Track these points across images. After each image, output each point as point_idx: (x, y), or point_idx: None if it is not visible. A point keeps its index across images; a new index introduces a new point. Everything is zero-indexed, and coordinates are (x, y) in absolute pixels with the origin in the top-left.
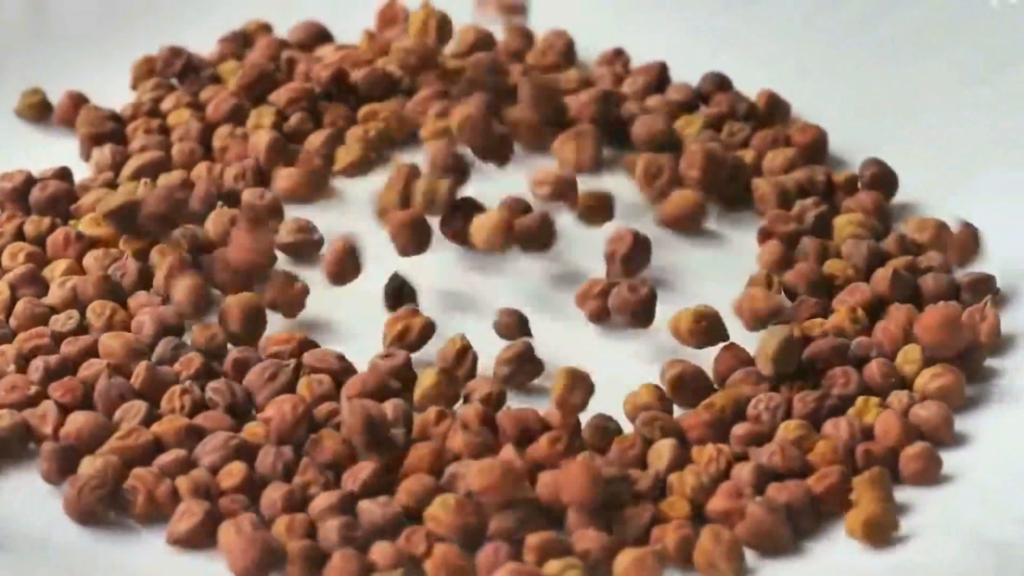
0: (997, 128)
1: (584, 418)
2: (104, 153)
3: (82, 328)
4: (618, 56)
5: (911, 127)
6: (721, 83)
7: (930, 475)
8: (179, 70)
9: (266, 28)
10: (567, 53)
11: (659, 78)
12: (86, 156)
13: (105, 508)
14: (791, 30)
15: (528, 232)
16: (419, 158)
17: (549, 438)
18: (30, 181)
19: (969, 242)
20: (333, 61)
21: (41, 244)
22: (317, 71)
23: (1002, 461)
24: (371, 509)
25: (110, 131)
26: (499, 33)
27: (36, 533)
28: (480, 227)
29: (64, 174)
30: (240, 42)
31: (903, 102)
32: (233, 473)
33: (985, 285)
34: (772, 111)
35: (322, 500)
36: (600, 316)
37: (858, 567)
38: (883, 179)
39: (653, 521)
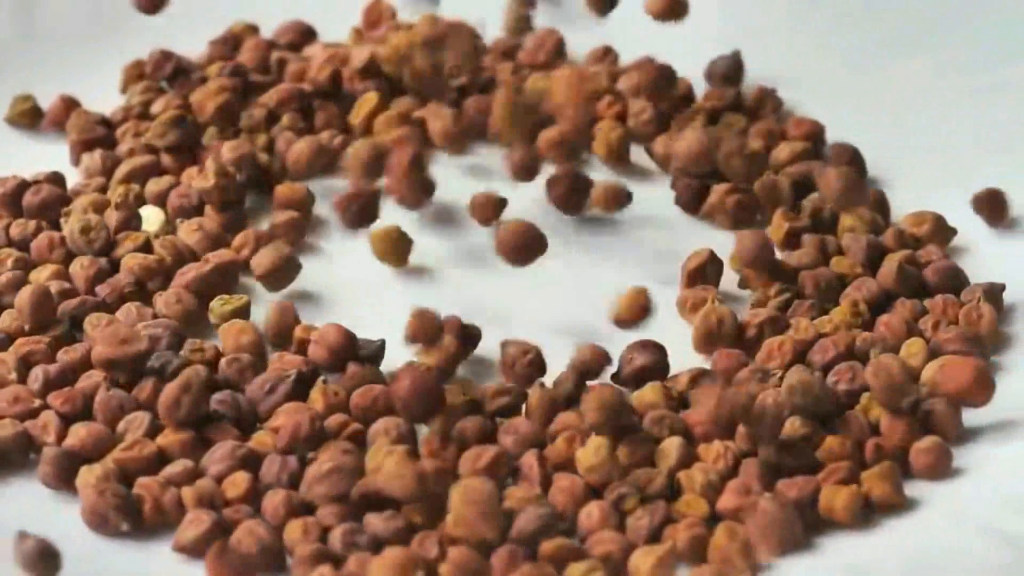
0: (995, 122)
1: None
2: (94, 158)
3: (72, 336)
4: (607, 53)
5: (907, 122)
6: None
7: (941, 469)
8: (169, 73)
9: (253, 29)
10: (558, 51)
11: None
12: (76, 162)
13: (120, 515)
14: (784, 25)
15: None
16: None
17: (565, 438)
18: (23, 186)
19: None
20: (326, 61)
21: (26, 248)
22: (313, 71)
23: (1012, 454)
24: (375, 523)
25: (100, 136)
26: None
27: None
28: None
29: (57, 178)
30: (230, 44)
31: (898, 97)
32: (237, 483)
33: (992, 290)
34: (761, 105)
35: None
36: None
37: (870, 562)
38: (849, 158)
39: (665, 520)
